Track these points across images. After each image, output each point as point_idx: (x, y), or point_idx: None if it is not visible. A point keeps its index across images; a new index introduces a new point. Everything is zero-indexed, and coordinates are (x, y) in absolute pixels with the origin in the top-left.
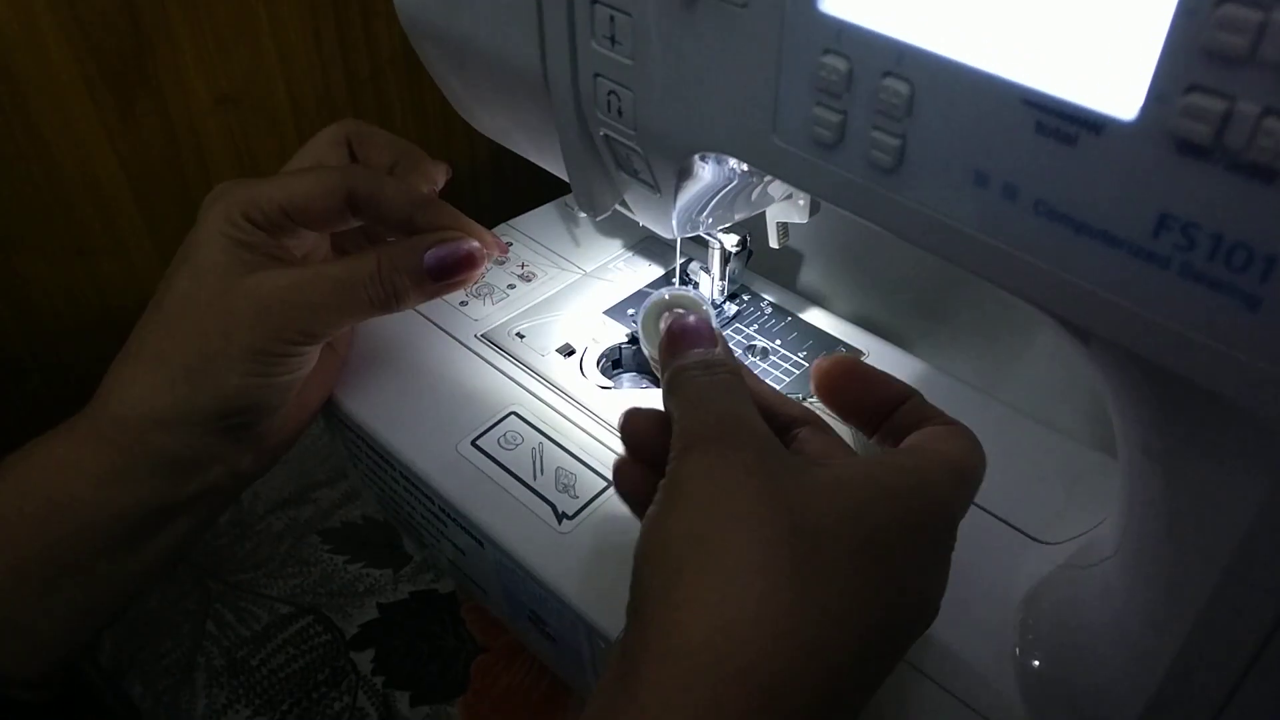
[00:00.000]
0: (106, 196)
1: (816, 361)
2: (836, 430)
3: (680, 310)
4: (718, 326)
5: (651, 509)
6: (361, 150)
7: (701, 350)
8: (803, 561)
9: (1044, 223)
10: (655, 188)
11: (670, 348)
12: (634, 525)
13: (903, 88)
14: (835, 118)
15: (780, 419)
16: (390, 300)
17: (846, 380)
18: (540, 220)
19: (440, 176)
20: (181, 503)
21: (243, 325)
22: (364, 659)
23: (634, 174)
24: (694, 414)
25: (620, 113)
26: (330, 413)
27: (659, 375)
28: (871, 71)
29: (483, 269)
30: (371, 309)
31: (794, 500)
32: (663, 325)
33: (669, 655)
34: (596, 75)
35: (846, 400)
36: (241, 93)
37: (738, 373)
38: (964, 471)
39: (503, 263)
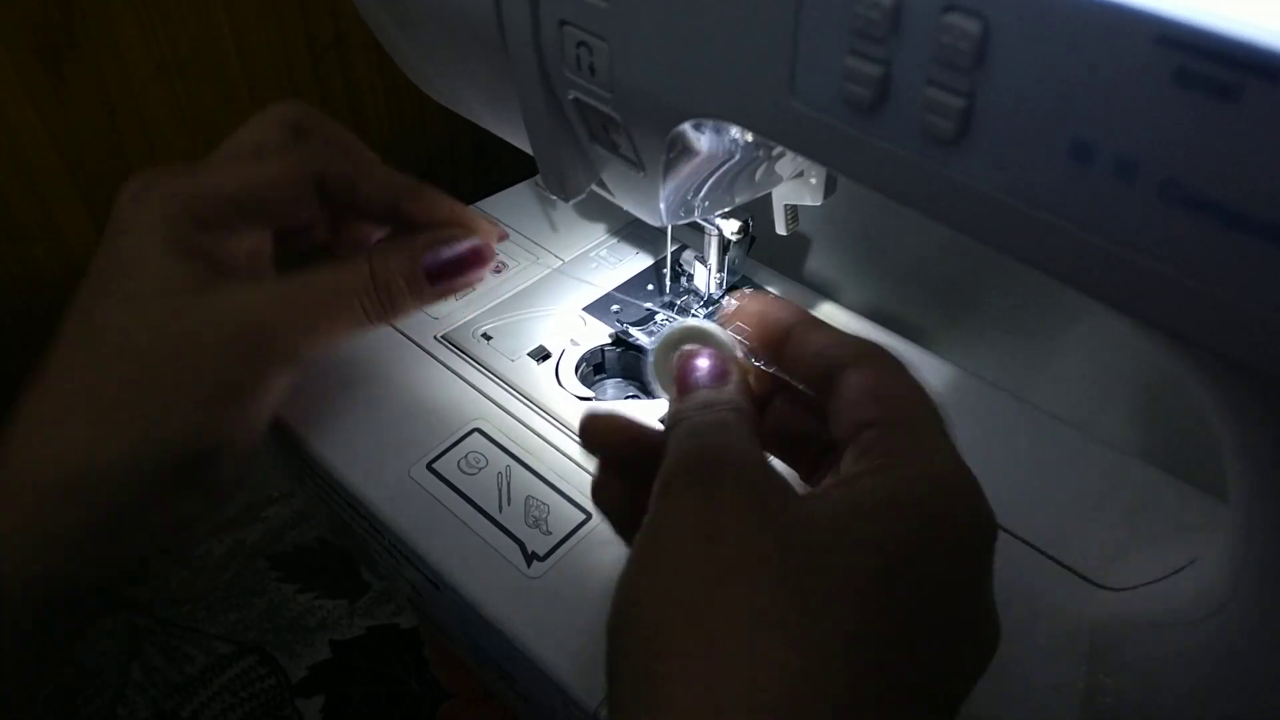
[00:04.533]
0: (37, 175)
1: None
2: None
3: (691, 347)
4: (743, 356)
5: (625, 568)
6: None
7: (708, 391)
8: (812, 606)
9: (1178, 212)
10: (638, 165)
11: (679, 394)
12: (618, 567)
13: (972, 26)
14: (875, 71)
15: (830, 365)
16: (386, 311)
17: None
18: (512, 202)
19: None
20: (119, 574)
21: (212, 354)
22: (312, 707)
23: (612, 148)
24: (677, 451)
25: (593, 70)
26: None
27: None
28: (927, 4)
29: (489, 268)
30: (365, 323)
31: (792, 536)
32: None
33: None
34: (563, 23)
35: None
36: (187, 58)
37: (741, 409)
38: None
39: (497, 261)
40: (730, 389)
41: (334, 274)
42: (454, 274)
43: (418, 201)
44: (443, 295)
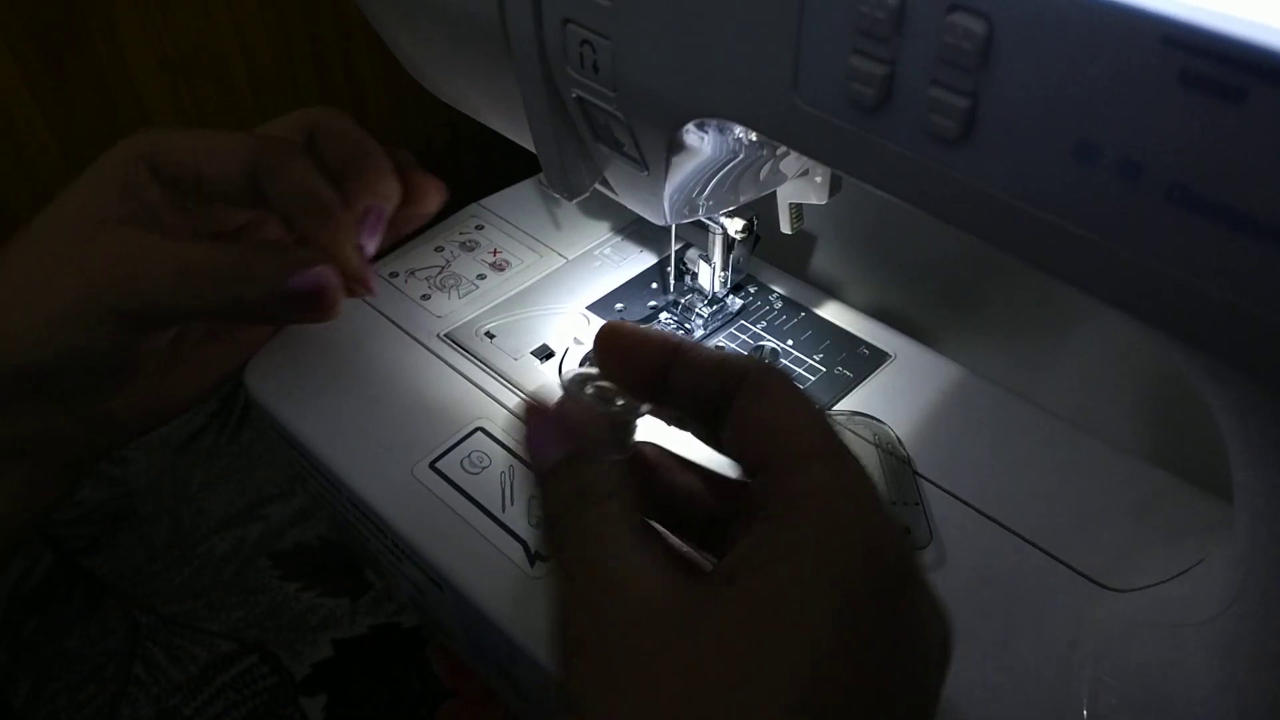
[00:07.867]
0: (39, 172)
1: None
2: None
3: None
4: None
5: None
6: (320, 141)
7: (578, 469)
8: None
9: (1184, 215)
10: (642, 164)
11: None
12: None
13: (977, 26)
14: (879, 70)
15: (724, 379)
16: (237, 311)
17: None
18: (515, 199)
19: (397, 195)
20: None
21: (68, 277)
22: (315, 706)
23: (616, 147)
24: (581, 606)
25: (596, 68)
26: (269, 424)
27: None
28: (932, 4)
29: (336, 313)
30: (216, 312)
31: (722, 643)
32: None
33: None
34: (566, 21)
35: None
36: (189, 55)
37: (616, 493)
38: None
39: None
40: (603, 461)
41: (203, 251)
42: (299, 307)
43: (313, 217)
44: (290, 322)
